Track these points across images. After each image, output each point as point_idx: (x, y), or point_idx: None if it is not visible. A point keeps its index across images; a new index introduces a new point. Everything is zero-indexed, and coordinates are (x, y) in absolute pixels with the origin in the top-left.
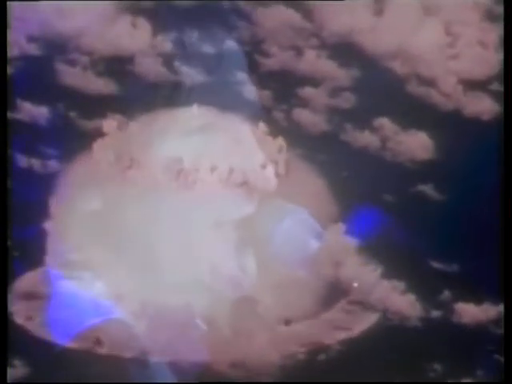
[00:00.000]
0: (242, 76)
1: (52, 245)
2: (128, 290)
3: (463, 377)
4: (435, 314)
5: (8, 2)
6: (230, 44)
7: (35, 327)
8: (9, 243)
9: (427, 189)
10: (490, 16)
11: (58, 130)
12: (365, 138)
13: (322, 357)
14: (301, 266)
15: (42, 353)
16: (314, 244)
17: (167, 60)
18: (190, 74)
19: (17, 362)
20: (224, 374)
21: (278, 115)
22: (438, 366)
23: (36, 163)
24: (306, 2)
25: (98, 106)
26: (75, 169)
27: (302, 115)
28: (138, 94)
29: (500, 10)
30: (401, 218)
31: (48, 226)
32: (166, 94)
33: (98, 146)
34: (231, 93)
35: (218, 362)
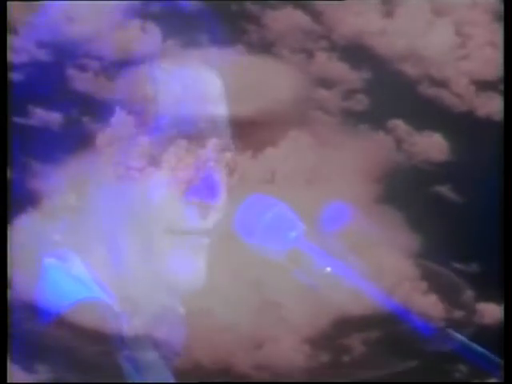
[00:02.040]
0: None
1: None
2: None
3: (487, 377)
4: (457, 314)
5: (12, 6)
6: (240, 47)
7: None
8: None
9: (444, 189)
10: (499, 16)
11: (72, 134)
12: (379, 140)
13: (346, 358)
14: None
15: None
16: (294, 236)
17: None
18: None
19: (40, 368)
20: (248, 376)
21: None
22: (462, 367)
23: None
24: (314, 4)
25: (110, 110)
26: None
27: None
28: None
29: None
30: (419, 219)
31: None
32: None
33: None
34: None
35: (241, 364)
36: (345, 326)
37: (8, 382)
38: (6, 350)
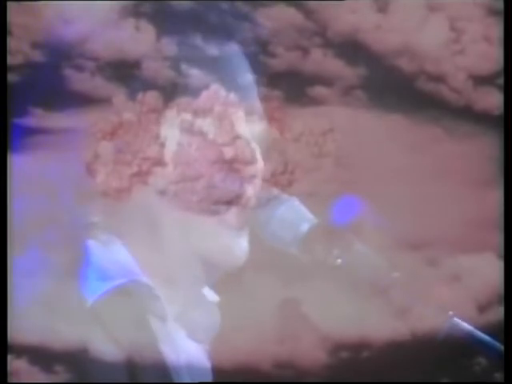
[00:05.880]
0: (250, 77)
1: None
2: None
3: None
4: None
5: (10, 7)
6: (234, 46)
7: None
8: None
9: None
10: (493, 11)
11: (71, 134)
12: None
13: (366, 354)
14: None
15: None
16: (306, 227)
17: (173, 63)
18: (198, 77)
19: (59, 369)
20: (269, 374)
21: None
22: (482, 360)
23: None
24: (307, 2)
25: (108, 110)
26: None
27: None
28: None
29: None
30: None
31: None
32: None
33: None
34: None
35: (262, 362)
36: (363, 322)
37: (8, 382)
38: (6, 350)
